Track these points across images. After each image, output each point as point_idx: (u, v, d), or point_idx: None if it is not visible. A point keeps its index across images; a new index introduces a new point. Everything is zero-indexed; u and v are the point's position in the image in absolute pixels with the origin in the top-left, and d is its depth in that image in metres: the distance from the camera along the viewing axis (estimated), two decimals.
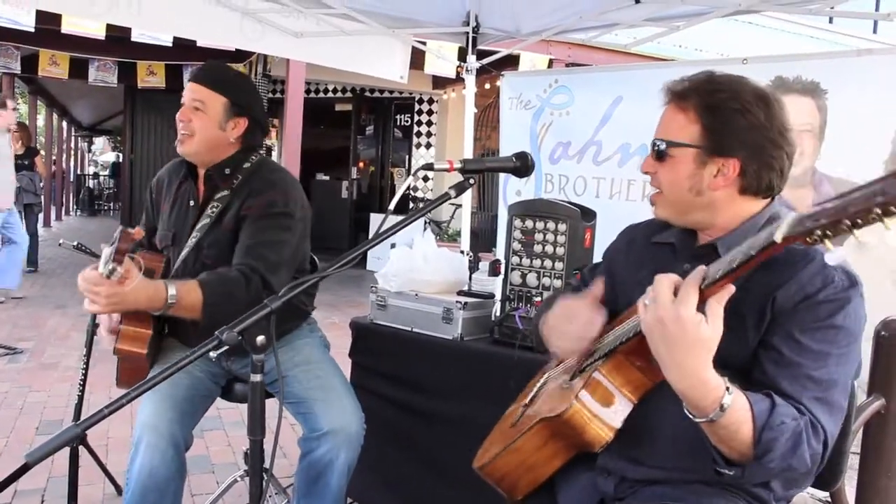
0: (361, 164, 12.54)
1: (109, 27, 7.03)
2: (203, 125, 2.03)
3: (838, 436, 1.32)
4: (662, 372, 1.13)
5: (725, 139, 1.27)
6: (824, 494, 1.70)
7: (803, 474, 1.16)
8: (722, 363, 1.11)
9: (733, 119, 1.26)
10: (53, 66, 9.35)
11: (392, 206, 1.48)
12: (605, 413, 1.27)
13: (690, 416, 1.13)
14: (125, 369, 2.02)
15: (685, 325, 1.07)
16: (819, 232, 0.92)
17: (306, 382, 2.13)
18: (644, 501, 1.31)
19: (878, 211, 0.86)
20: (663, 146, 1.32)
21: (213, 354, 1.18)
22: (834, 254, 0.94)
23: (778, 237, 0.98)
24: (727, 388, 1.09)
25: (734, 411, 1.09)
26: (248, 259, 1.96)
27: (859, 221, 0.88)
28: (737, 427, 1.10)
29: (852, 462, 1.58)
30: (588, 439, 1.28)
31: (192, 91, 2.05)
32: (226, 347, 1.18)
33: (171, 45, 7.56)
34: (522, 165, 1.54)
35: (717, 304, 1.08)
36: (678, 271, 1.16)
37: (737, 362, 1.14)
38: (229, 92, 2.06)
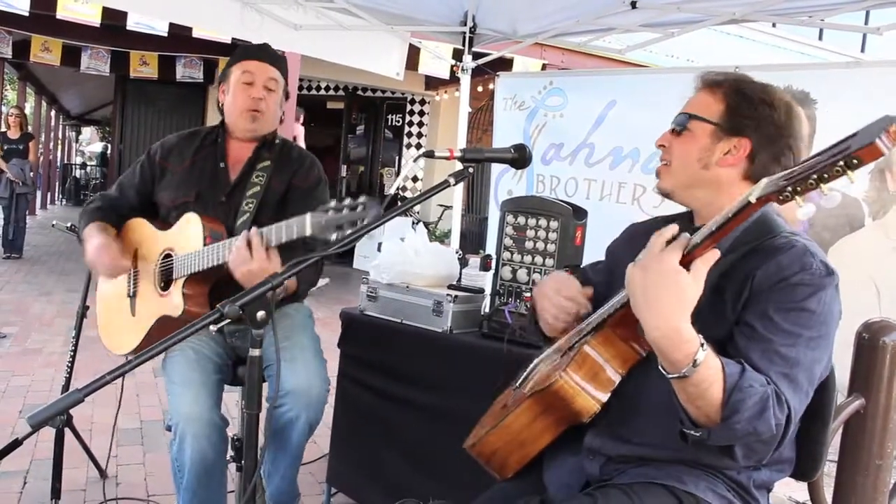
0: (349, 166, 12.53)
1: (105, 14, 6.99)
2: (275, 103, 2.23)
3: (819, 426, 1.37)
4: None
5: (744, 119, 1.36)
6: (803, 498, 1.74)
7: (766, 444, 1.19)
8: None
9: (757, 105, 1.36)
10: (45, 52, 9.28)
11: (393, 189, 1.51)
12: (593, 384, 1.31)
13: (664, 372, 1.16)
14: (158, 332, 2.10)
15: (665, 268, 1.12)
16: (790, 189, 1.00)
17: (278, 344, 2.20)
18: (628, 481, 1.33)
19: (842, 163, 0.95)
20: (684, 119, 1.41)
21: (212, 328, 1.20)
22: (804, 209, 1.01)
23: (752, 198, 1.05)
24: (702, 345, 1.13)
25: (706, 368, 1.12)
26: None
27: (825, 176, 0.97)
28: (707, 385, 1.13)
29: (829, 469, 1.62)
30: (577, 408, 1.32)
31: (265, 70, 2.19)
32: (227, 321, 1.21)
33: (166, 34, 7.53)
34: (520, 157, 1.57)
35: (702, 265, 1.13)
36: None
37: (715, 340, 1.18)
38: (285, 72, 2.27)
